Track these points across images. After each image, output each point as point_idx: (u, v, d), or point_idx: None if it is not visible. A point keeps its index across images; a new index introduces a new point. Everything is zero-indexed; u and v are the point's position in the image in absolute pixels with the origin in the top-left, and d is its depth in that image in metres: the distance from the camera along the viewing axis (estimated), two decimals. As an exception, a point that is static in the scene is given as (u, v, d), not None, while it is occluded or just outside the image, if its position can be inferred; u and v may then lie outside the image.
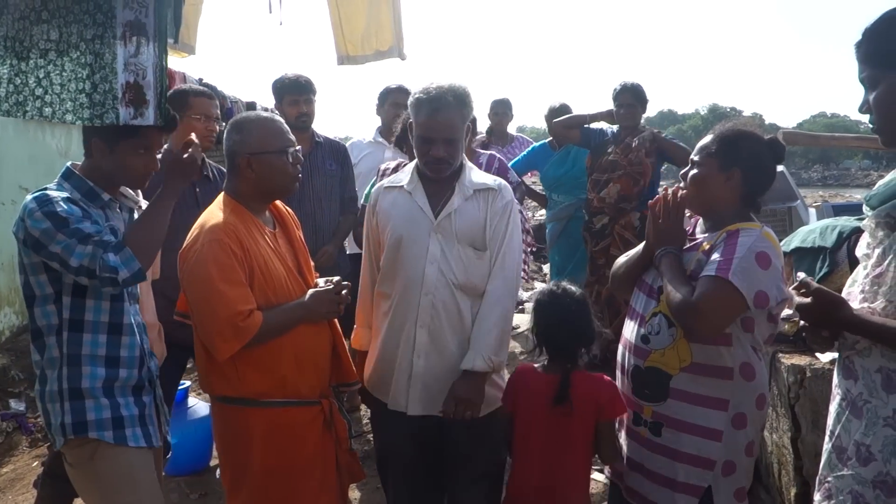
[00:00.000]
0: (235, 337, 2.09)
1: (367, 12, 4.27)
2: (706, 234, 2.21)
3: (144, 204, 2.39)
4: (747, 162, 2.16)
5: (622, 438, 2.36)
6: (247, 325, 2.09)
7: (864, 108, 1.67)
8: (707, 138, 2.25)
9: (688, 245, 2.24)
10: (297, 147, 2.33)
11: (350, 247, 4.28)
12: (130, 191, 2.36)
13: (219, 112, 3.27)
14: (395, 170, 3.62)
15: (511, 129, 6.03)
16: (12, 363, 5.71)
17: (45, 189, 2.14)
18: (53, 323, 2.15)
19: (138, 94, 2.17)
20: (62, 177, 2.22)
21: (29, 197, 2.12)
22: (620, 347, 2.37)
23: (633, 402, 2.26)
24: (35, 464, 4.62)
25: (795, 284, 1.70)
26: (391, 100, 4.49)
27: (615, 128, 4.72)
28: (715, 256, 2.06)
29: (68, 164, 2.26)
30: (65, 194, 2.12)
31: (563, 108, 5.27)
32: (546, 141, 5.41)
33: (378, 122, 4.64)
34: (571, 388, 2.27)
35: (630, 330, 2.31)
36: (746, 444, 2.13)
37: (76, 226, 2.04)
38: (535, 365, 2.42)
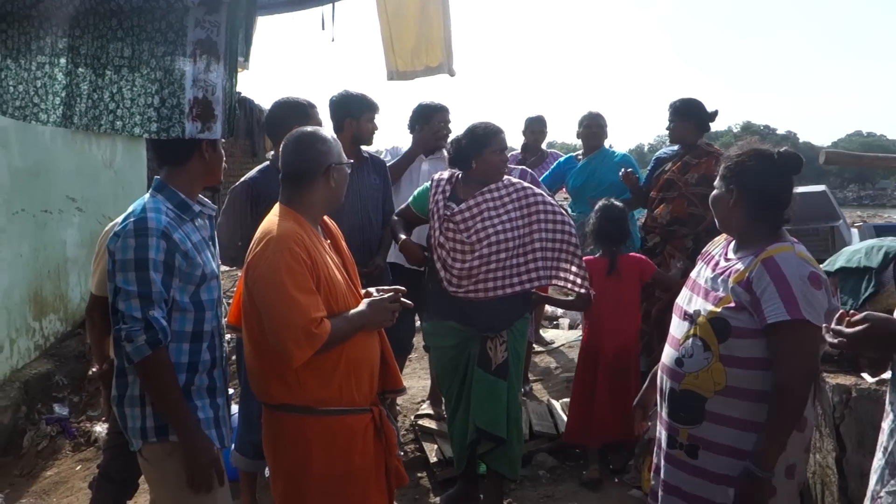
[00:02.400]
0: (309, 343, 2.12)
1: (417, 29, 4.33)
2: (738, 255, 2.21)
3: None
4: (745, 180, 2.17)
5: (660, 462, 2.33)
6: (319, 332, 2.13)
7: None
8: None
9: (724, 264, 2.23)
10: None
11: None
12: (208, 200, 2.42)
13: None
14: (450, 181, 3.45)
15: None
16: (56, 369, 5.82)
17: (145, 214, 2.15)
18: None
19: (206, 109, 2.25)
20: (155, 188, 2.27)
21: (130, 217, 2.16)
22: (659, 371, 2.37)
23: (669, 424, 2.26)
24: (78, 468, 4.71)
25: (847, 321, 1.66)
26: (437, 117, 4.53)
27: (673, 146, 4.58)
28: (770, 294, 2.03)
29: (157, 176, 2.32)
30: (161, 226, 2.13)
31: (597, 116, 5.11)
32: (572, 154, 5.39)
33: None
34: (618, 263, 3.79)
35: (666, 353, 2.32)
36: (786, 466, 2.10)
37: (150, 276, 2.07)
38: (594, 256, 3.83)
